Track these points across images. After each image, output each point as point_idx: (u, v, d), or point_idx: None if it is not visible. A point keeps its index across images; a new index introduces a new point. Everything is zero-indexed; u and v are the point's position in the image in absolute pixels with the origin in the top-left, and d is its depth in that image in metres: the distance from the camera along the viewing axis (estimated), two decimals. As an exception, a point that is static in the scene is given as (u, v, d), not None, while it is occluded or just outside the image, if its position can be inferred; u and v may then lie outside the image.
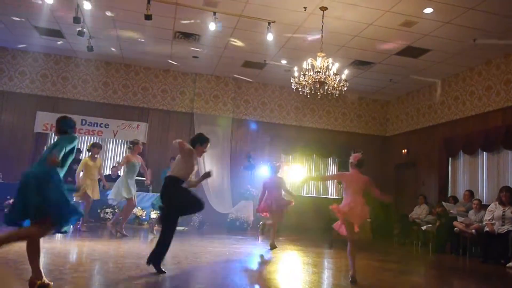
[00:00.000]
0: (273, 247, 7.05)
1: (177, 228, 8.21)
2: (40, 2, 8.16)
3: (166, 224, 4.79)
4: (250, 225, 10.93)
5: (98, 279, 4.42)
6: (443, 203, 9.46)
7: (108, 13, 8.49)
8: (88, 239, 7.09)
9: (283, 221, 7.42)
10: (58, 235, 7.54)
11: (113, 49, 10.56)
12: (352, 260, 4.84)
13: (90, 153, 8.52)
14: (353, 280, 4.75)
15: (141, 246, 6.94)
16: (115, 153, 11.82)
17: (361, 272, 5.71)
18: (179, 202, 4.75)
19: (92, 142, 10.13)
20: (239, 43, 9.57)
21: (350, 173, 5.12)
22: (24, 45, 10.93)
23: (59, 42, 10.47)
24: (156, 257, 4.62)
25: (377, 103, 13.45)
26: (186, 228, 9.84)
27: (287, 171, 12.41)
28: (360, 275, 4.92)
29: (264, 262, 6.20)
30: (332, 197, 12.93)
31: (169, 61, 11.00)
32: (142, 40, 9.80)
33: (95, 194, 8.34)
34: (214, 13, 7.78)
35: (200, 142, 5.04)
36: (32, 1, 8.15)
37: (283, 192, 7.40)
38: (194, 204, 4.82)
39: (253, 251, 7.34)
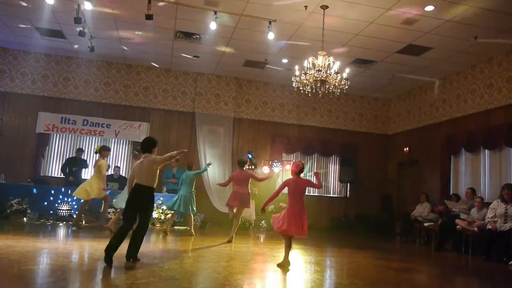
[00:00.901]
0: (230, 240, 7.53)
1: (180, 227, 8.27)
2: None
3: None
4: (253, 224, 10.95)
5: (100, 278, 4.43)
6: (445, 201, 9.45)
7: (109, 12, 8.50)
8: (90, 239, 7.10)
9: (238, 220, 7.89)
10: (61, 235, 7.57)
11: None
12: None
13: (99, 155, 8.61)
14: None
15: (142, 246, 6.95)
16: (116, 153, 11.84)
17: (364, 271, 5.71)
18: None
19: (101, 144, 10.48)
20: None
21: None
22: (25, 46, 10.96)
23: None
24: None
25: (378, 102, 13.44)
26: (188, 228, 9.85)
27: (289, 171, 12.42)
28: (362, 274, 4.92)
29: (266, 261, 6.21)
30: (334, 195, 12.93)
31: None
32: (142, 33, 9.71)
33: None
34: (215, 12, 7.78)
35: (154, 145, 5.39)
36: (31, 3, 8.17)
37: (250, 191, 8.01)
38: None
39: (255, 250, 7.35)
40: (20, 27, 9.62)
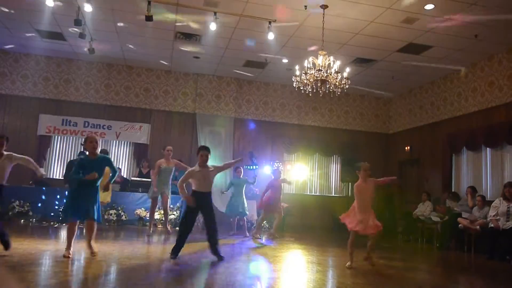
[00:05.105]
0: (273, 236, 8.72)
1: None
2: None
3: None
4: (254, 224, 10.92)
5: (103, 280, 4.43)
6: (447, 200, 9.45)
7: (109, 14, 8.50)
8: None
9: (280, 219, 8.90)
10: (63, 237, 7.57)
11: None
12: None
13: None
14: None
15: (145, 247, 6.96)
16: (118, 154, 11.85)
17: (367, 270, 5.70)
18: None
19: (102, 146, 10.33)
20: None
21: None
22: (26, 49, 10.97)
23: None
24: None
25: (379, 101, 13.42)
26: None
27: (290, 170, 12.40)
28: (365, 273, 4.91)
29: (268, 261, 6.20)
30: (335, 195, 12.91)
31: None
32: (142, 34, 9.71)
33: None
34: (215, 13, 7.79)
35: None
36: (31, 4, 8.18)
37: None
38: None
39: (257, 250, 7.34)
40: (21, 30, 9.64)
